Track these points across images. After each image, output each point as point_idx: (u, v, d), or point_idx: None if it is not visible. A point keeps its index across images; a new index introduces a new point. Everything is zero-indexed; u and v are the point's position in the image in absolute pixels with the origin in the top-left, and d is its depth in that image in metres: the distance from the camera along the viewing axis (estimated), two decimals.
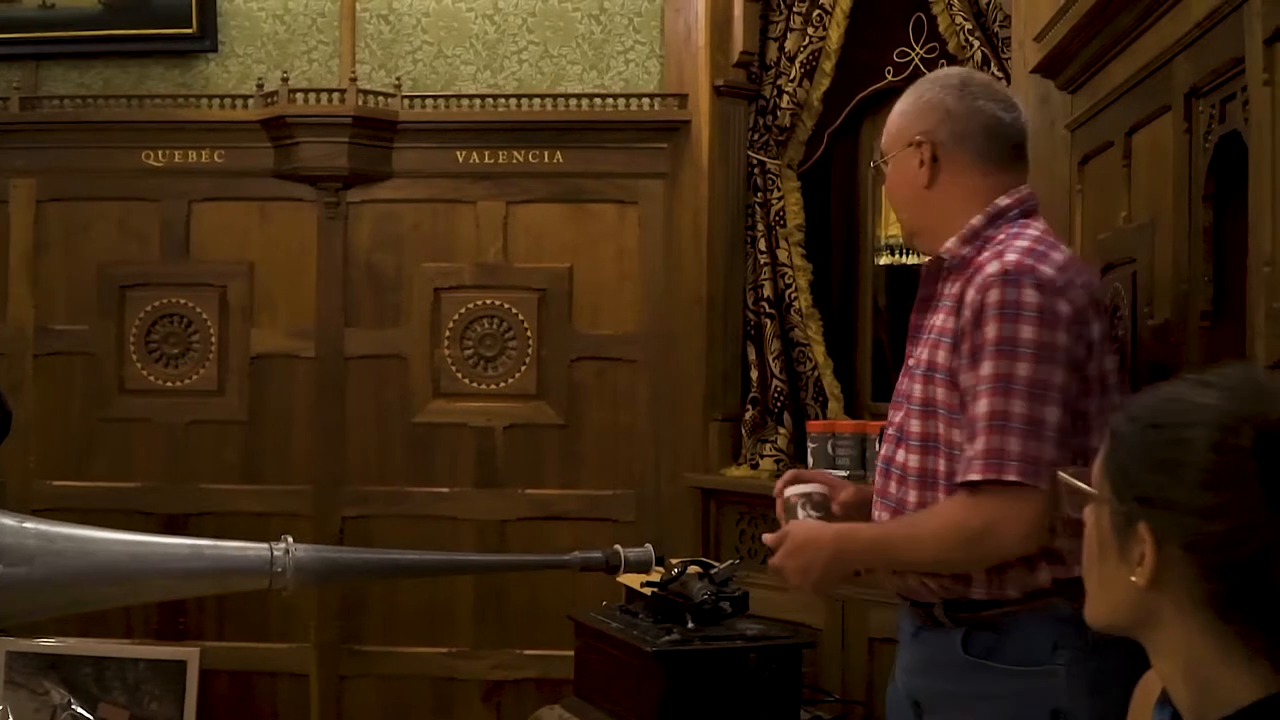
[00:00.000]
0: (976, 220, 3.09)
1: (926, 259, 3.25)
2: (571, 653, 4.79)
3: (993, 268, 2.93)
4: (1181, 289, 3.23)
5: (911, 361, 3.18)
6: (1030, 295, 2.88)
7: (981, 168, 3.15)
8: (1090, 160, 4.14)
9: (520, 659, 6.09)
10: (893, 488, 3.16)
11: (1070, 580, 2.82)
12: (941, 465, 3.03)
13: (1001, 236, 3.04)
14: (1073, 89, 4.28)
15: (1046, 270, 2.92)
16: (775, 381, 5.90)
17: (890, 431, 3.21)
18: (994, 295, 2.90)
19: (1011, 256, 2.94)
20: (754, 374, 5.98)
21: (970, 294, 2.95)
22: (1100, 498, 1.76)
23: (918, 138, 3.17)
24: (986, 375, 2.88)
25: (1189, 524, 1.63)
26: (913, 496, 3.10)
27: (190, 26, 6.21)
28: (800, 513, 3.37)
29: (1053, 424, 2.86)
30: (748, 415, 5.95)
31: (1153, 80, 3.45)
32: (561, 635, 5.03)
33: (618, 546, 3.14)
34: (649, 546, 3.17)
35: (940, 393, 3.03)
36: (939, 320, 3.08)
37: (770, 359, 5.93)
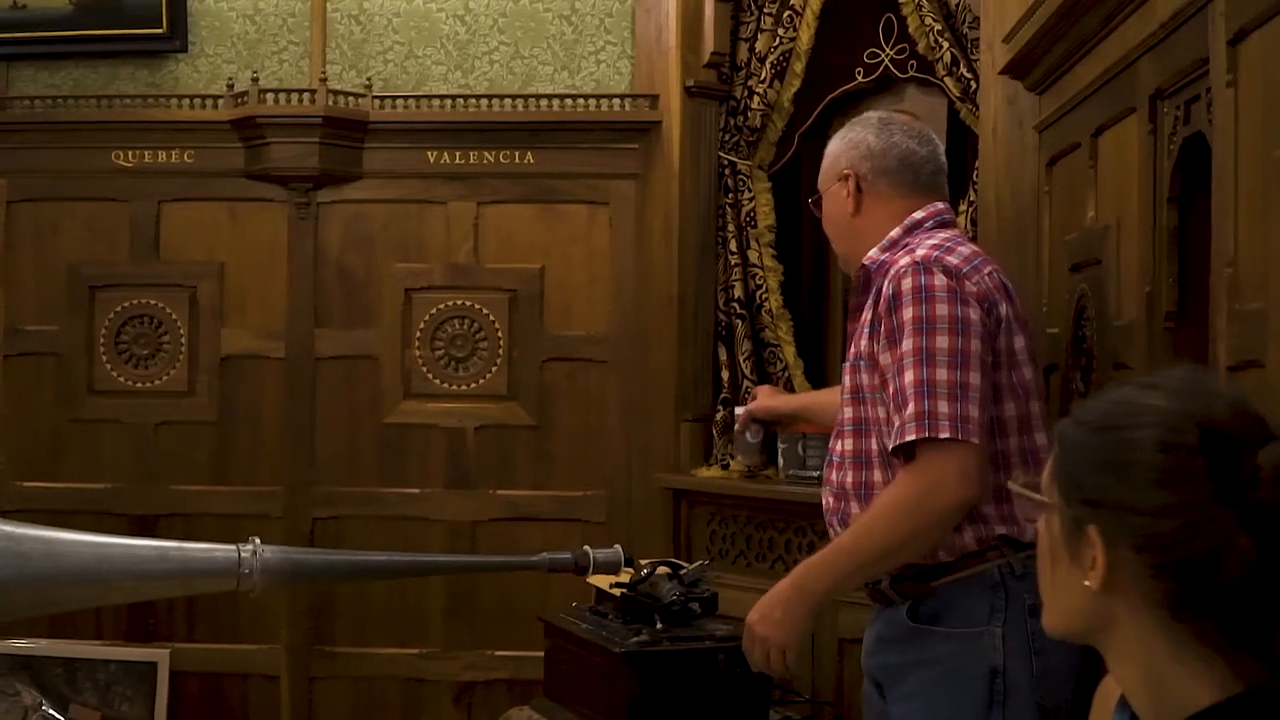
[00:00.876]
0: (895, 232, 3.42)
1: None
2: (542, 654, 4.80)
3: (903, 261, 3.24)
4: (1146, 290, 3.25)
5: (845, 363, 3.47)
6: (940, 279, 3.18)
7: (900, 193, 3.47)
8: (1058, 161, 4.16)
9: (491, 660, 6.09)
10: (834, 474, 3.42)
11: (995, 539, 3.19)
12: (874, 445, 3.31)
13: (914, 242, 3.34)
14: (1041, 90, 4.30)
15: (952, 259, 3.23)
16: (746, 382, 5.90)
17: (837, 428, 3.48)
18: (907, 283, 3.19)
19: (920, 251, 3.25)
20: (725, 375, 5.98)
21: (885, 286, 3.23)
22: (1050, 504, 1.77)
23: (845, 172, 3.50)
24: (908, 350, 3.15)
25: (1139, 524, 1.64)
26: (850, 478, 3.37)
27: (160, 26, 6.18)
28: (747, 438, 3.96)
29: (976, 386, 3.12)
30: (719, 416, 5.95)
31: (1118, 81, 3.47)
32: (532, 636, 5.02)
33: (587, 548, 3.16)
34: (618, 547, 3.19)
35: (864, 378, 3.33)
36: (864, 316, 3.35)
37: (741, 360, 5.93)
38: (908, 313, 3.16)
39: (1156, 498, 1.63)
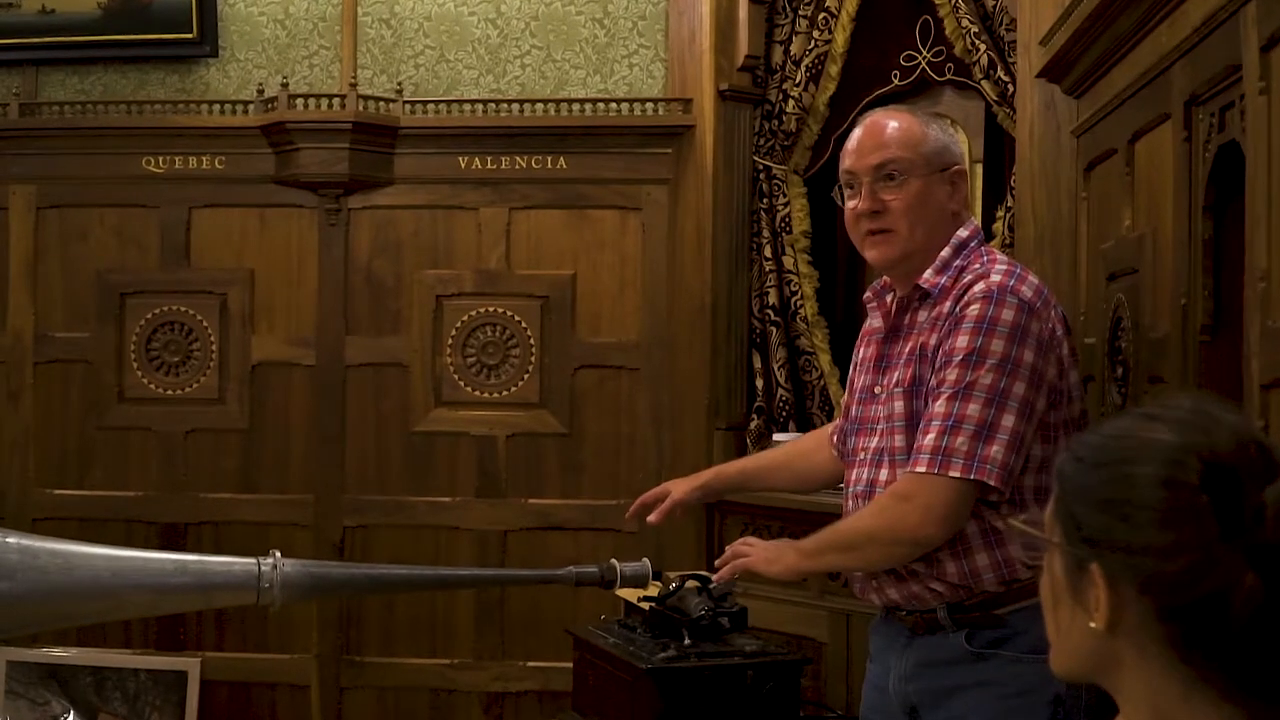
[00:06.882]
0: (946, 251, 3.26)
1: (894, 292, 3.38)
2: (572, 665, 4.75)
3: (979, 287, 3.12)
4: (1181, 302, 3.17)
5: (878, 389, 3.32)
6: (1007, 313, 3.08)
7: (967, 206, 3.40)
8: (1095, 167, 4.09)
9: (520, 670, 6.04)
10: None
11: None
12: None
13: (976, 265, 3.22)
14: (1078, 94, 4.23)
15: (1026, 291, 3.13)
16: (780, 390, 5.85)
17: (865, 456, 3.33)
18: (974, 310, 3.10)
19: (995, 277, 3.14)
20: (759, 382, 5.92)
21: (956, 310, 3.13)
22: (1052, 542, 1.70)
23: (958, 168, 3.33)
24: (950, 380, 3.08)
25: (1143, 564, 1.57)
26: None
27: (190, 31, 6.15)
28: None
29: (1007, 428, 3.04)
30: (753, 425, 5.89)
31: (1153, 87, 3.40)
32: (562, 647, 4.98)
33: (614, 561, 3.13)
34: (646, 561, 3.16)
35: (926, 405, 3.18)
36: (923, 340, 3.22)
37: (775, 367, 5.87)
38: (963, 340, 3.08)
39: (1160, 537, 1.55)
